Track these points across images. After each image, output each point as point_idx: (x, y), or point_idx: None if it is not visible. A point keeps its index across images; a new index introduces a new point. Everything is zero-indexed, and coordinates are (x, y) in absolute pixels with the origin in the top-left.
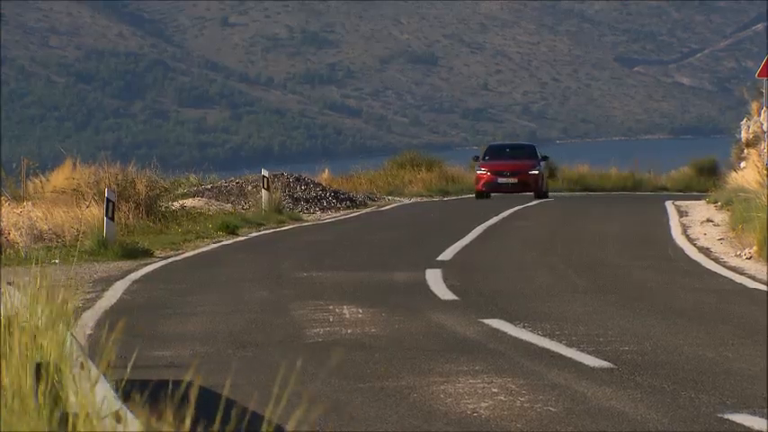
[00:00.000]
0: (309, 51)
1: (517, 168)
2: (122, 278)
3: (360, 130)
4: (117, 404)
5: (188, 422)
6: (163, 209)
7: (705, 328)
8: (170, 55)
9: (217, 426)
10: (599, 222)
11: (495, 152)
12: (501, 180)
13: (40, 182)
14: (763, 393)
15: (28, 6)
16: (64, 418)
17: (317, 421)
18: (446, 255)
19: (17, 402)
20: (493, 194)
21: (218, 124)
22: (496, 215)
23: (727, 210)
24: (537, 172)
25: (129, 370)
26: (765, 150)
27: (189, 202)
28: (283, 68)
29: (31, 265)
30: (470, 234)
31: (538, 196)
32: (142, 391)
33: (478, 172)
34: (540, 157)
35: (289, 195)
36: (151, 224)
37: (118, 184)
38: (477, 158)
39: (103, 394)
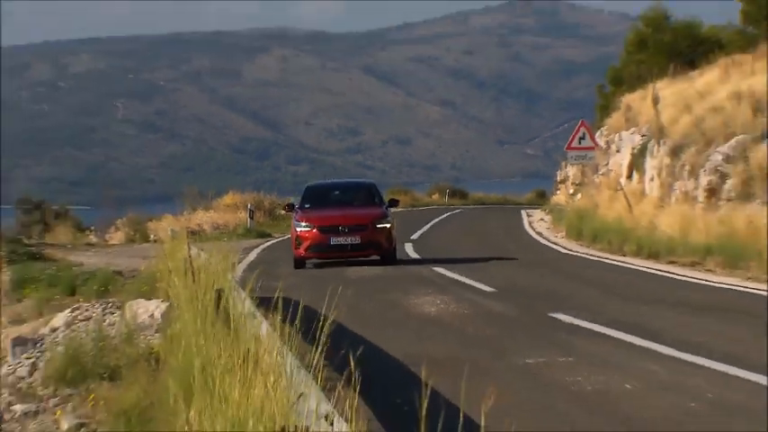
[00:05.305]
0: None
1: (358, 221)
2: (257, 247)
3: None
4: (254, 309)
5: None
6: (276, 213)
7: (540, 272)
8: None
9: (299, 321)
10: (487, 220)
11: (319, 196)
12: (335, 240)
13: (219, 200)
14: (573, 302)
15: None
16: (227, 318)
17: (343, 312)
18: (415, 235)
19: (203, 311)
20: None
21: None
22: (438, 216)
23: (550, 214)
24: (387, 225)
25: (258, 292)
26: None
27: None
28: None
29: (212, 241)
30: (427, 225)
31: (386, 260)
32: (265, 303)
33: (298, 229)
34: (385, 201)
35: None
36: (271, 221)
37: (255, 202)
38: (291, 207)
39: (248, 305)
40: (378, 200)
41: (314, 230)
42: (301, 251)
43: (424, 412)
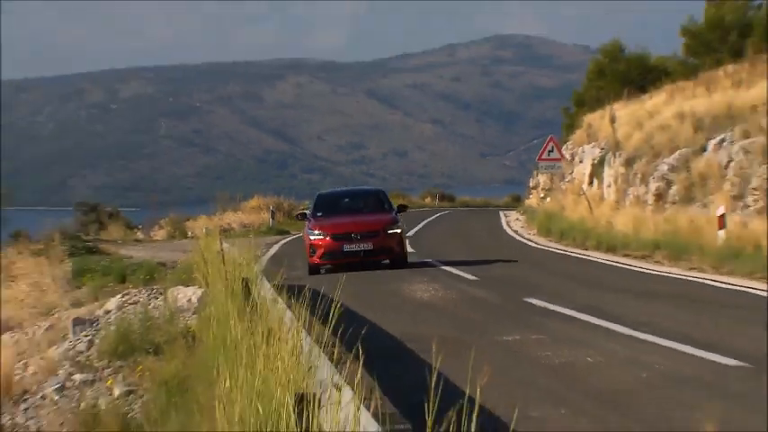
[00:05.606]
0: None
1: (370, 227)
2: (278, 242)
3: None
4: (276, 296)
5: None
6: (293, 214)
7: (518, 265)
8: None
9: (319, 307)
10: (471, 220)
11: (330, 204)
12: (348, 247)
13: (246, 203)
14: (544, 289)
15: None
16: (253, 302)
17: (350, 298)
18: (411, 233)
19: (231, 294)
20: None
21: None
22: (431, 216)
23: (524, 214)
24: (398, 230)
25: (280, 280)
26: (560, 184)
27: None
28: None
29: (240, 237)
30: (420, 224)
31: (397, 264)
32: (285, 290)
33: (312, 237)
34: (395, 207)
35: None
36: (289, 220)
37: (276, 204)
38: (304, 216)
39: (270, 291)
40: (387, 206)
41: (327, 238)
42: (316, 259)
43: (432, 390)
